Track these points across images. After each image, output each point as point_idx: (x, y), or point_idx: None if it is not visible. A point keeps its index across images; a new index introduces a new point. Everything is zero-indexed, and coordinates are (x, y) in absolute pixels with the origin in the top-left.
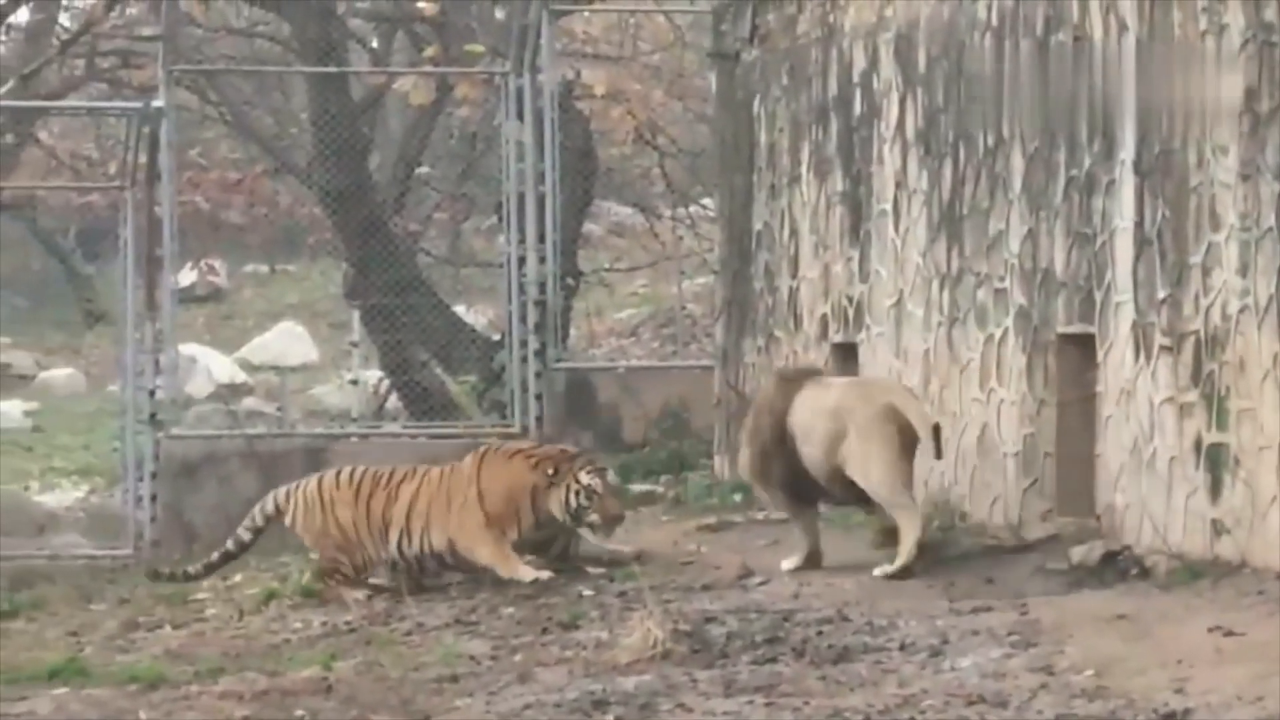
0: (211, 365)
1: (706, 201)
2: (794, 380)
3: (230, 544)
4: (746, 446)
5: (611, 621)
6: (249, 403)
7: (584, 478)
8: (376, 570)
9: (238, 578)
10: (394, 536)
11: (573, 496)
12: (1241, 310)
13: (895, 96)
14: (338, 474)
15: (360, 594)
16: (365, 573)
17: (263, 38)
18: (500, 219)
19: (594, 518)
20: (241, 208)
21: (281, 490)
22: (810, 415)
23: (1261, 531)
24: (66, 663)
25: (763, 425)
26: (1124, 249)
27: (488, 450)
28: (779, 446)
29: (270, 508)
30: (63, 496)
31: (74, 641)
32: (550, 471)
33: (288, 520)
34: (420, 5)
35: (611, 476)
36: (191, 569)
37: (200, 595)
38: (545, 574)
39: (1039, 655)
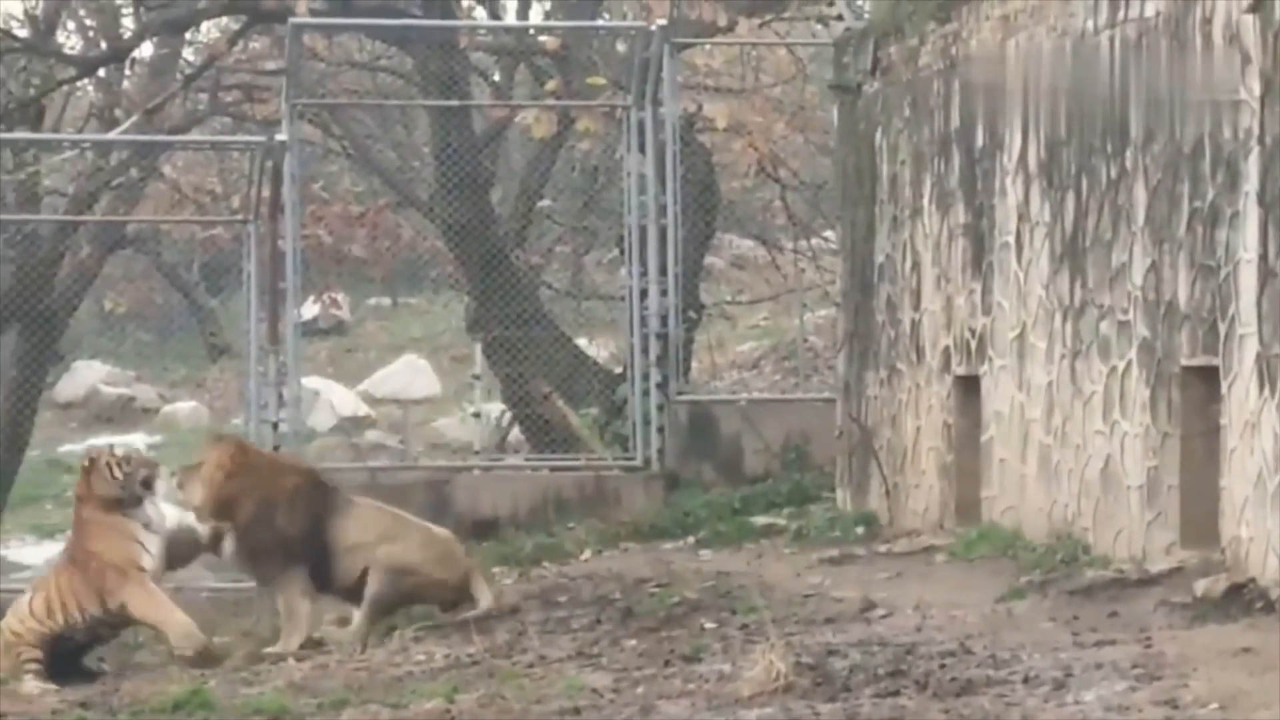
0: (334, 398)
1: (828, 234)
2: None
3: None
4: None
5: (734, 654)
6: (372, 436)
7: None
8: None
9: None
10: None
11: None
12: None
13: (1018, 128)
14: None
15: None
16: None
17: (385, 71)
18: (622, 252)
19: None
20: (364, 241)
21: None
22: None
23: None
24: (191, 695)
25: None
26: (1248, 281)
27: (72, 529)
28: None
29: None
30: None
31: (198, 674)
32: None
33: None
34: (542, 39)
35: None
36: None
37: (325, 628)
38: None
39: (1163, 689)
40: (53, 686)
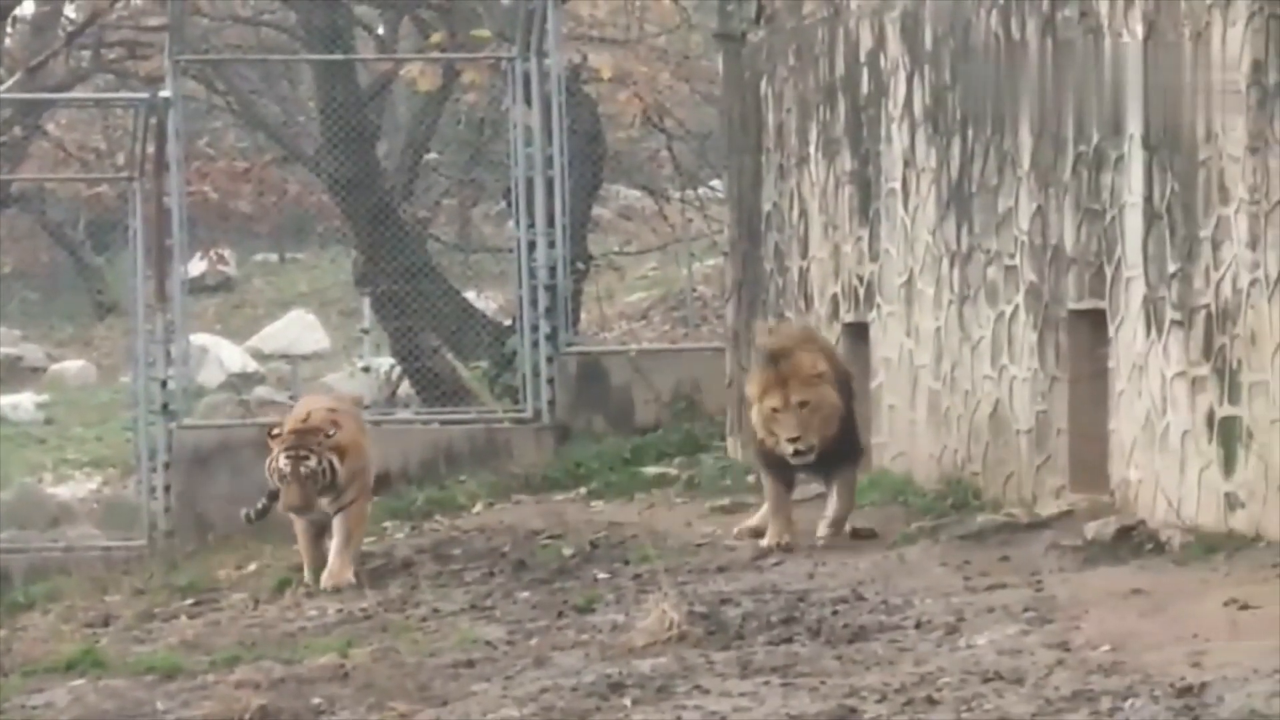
0: (223, 355)
1: (715, 183)
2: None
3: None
4: None
5: (627, 605)
6: (261, 391)
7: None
8: None
9: (252, 566)
10: None
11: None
12: (1252, 283)
13: (902, 75)
14: None
15: None
16: None
17: (269, 26)
18: (509, 204)
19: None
20: (250, 197)
21: None
22: None
23: (1275, 504)
24: (83, 654)
25: None
26: (1133, 224)
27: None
28: None
29: None
30: (76, 488)
31: (90, 633)
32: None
33: None
34: None
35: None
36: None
37: (217, 582)
38: None
39: (1055, 631)
40: None
